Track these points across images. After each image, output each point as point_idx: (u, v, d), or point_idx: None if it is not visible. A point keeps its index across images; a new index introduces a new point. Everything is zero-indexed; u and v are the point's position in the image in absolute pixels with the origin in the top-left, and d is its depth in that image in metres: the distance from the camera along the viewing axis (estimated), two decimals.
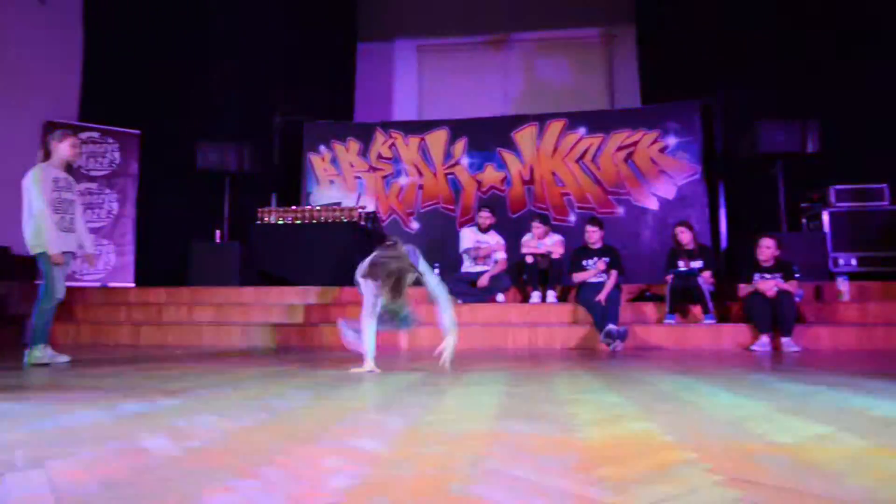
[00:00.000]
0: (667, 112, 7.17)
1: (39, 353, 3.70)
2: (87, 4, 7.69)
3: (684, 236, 5.31)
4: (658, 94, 7.40)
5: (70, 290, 6.39)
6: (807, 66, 6.76)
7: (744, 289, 4.92)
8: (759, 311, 4.65)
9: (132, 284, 7.11)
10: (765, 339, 4.60)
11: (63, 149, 3.80)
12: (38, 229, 3.66)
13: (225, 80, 7.76)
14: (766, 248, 4.87)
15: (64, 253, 3.77)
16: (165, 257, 7.36)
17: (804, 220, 6.41)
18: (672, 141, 7.13)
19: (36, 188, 3.66)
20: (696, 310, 5.25)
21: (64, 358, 3.80)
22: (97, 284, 6.94)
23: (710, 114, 7.14)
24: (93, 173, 7.21)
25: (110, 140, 7.31)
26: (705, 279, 5.12)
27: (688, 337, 4.95)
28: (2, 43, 6.47)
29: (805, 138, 5.96)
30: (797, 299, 4.74)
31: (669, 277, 5.17)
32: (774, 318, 4.62)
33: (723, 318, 5.19)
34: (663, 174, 7.13)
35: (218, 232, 6.98)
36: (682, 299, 5.19)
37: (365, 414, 2.00)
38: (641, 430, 1.71)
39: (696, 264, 5.21)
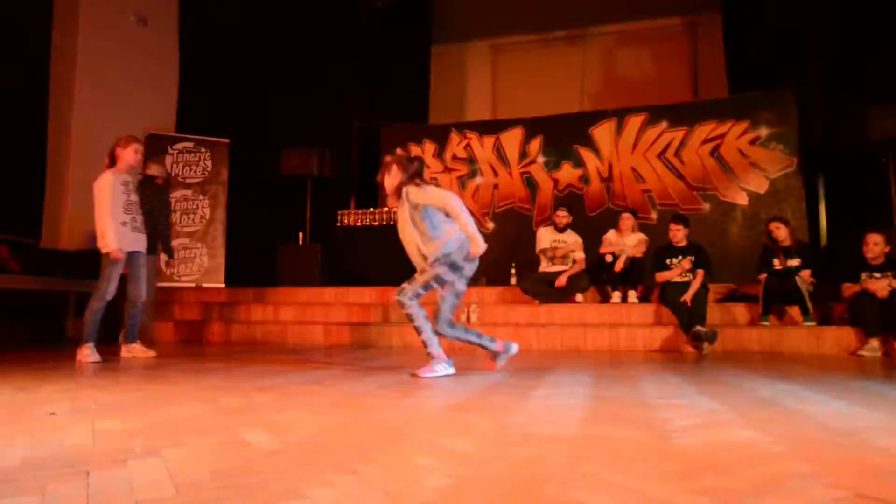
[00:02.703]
0: (758, 101, 6.72)
1: (88, 350, 3.78)
2: (183, 26, 8.23)
3: (780, 232, 4.98)
4: (747, 82, 6.95)
5: (167, 290, 6.89)
6: None
7: (848, 288, 4.55)
8: (869, 312, 4.27)
9: (223, 285, 7.53)
10: (874, 343, 4.23)
11: (128, 155, 3.96)
12: (103, 230, 3.85)
13: (306, 89, 8.06)
14: (875, 245, 4.47)
15: (132, 252, 3.95)
16: (253, 259, 7.74)
17: None
18: (764, 132, 6.68)
19: (104, 194, 3.84)
20: (794, 311, 4.91)
21: (151, 353, 4.00)
22: (192, 285, 7.40)
23: (807, 101, 6.64)
24: (188, 181, 7.69)
25: (203, 149, 7.78)
26: (803, 278, 4.77)
27: (784, 340, 4.64)
28: (109, 63, 7.04)
29: None
30: None
31: (763, 277, 4.87)
32: (885, 320, 4.24)
33: (824, 320, 4.83)
34: (754, 167, 6.70)
35: (301, 234, 7.26)
36: (778, 300, 4.87)
37: (450, 413, 2.01)
38: (744, 439, 1.61)
39: (794, 262, 4.87)
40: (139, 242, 4.02)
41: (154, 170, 5.33)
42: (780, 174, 6.58)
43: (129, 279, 4.05)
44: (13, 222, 5.84)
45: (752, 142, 6.72)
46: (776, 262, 4.93)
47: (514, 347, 3.39)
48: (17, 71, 6.12)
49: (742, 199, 6.71)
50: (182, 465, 1.30)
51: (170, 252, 5.18)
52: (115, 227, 3.84)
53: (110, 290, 3.86)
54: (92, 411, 1.98)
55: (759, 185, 6.66)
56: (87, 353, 3.78)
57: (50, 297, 5.66)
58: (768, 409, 2.08)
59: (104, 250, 3.87)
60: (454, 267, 3.12)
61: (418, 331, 3.15)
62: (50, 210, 6.44)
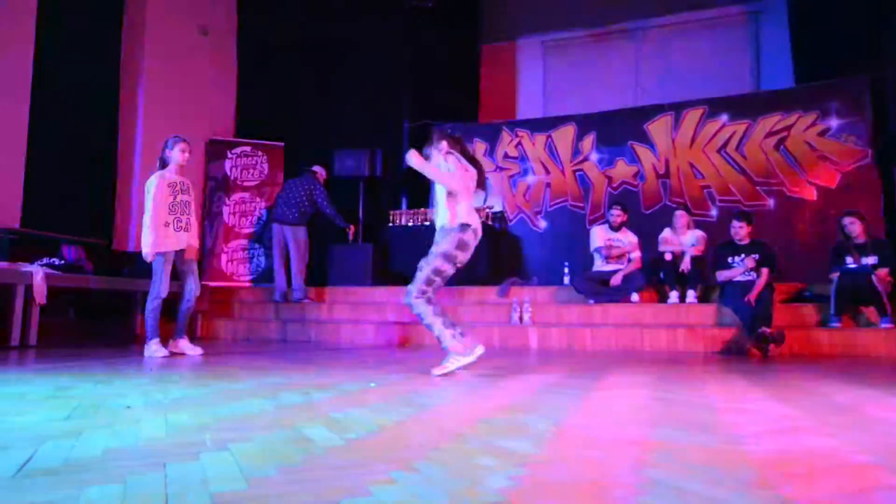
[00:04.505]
0: (828, 90, 6.36)
1: (155, 346, 3.98)
2: (241, 35, 8.52)
3: (854, 228, 4.70)
4: (816, 71, 6.59)
5: (228, 289, 7.15)
6: None
7: None
8: None
9: None
10: None
11: (175, 155, 4.09)
12: (143, 232, 3.97)
13: (357, 91, 8.19)
14: None
15: (178, 251, 4.08)
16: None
17: None
18: (835, 122, 6.32)
19: (149, 196, 3.97)
20: (869, 312, 4.63)
21: (197, 350, 4.15)
22: (249, 284, 7.64)
23: (883, 88, 6.23)
24: (245, 184, 7.95)
25: (259, 153, 8.02)
26: (880, 277, 4.49)
27: (859, 343, 4.38)
28: (173, 72, 7.36)
29: None
30: None
31: (835, 275, 4.61)
32: None
33: None
34: (824, 160, 6.34)
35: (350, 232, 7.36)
36: (851, 300, 4.60)
37: (508, 413, 1.99)
38: (823, 447, 1.52)
39: (870, 260, 4.59)
40: (181, 241, 4.10)
41: (319, 169, 6.66)
42: (853, 167, 6.21)
43: (179, 276, 4.19)
44: (88, 226, 6.19)
45: (822, 133, 6.37)
46: (849, 259, 4.66)
47: (479, 349, 3.11)
48: (90, 83, 6.48)
49: (810, 194, 6.38)
50: (250, 459, 1.33)
51: (341, 224, 6.53)
52: (154, 229, 3.94)
53: (162, 288, 4.02)
54: (163, 405, 2.07)
55: (830, 178, 6.31)
56: (154, 349, 3.99)
57: (120, 295, 5.97)
58: (847, 416, 1.96)
59: (142, 251, 4.00)
60: (447, 256, 3.08)
61: (429, 328, 3.07)
62: (120, 213, 6.79)
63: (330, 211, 6.40)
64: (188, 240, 4.17)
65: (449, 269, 3.13)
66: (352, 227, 6.67)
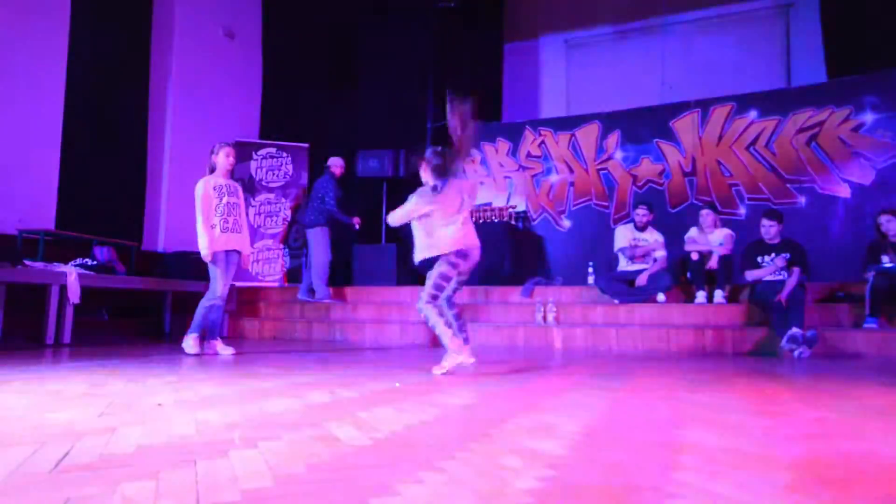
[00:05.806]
0: (862, 85, 6.18)
1: (192, 342, 4.04)
2: (265, 39, 8.65)
3: (891, 226, 4.57)
4: (849, 65, 6.42)
5: (255, 289, 7.25)
6: None
7: None
8: None
9: None
10: None
11: (220, 160, 4.19)
12: (201, 235, 4.06)
13: (380, 91, 8.23)
14: None
15: (228, 252, 4.15)
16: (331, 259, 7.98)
17: None
18: (869, 117, 6.13)
19: (197, 200, 4.08)
20: None
21: (229, 350, 4.18)
22: (276, 284, 7.73)
23: None
24: (271, 185, 8.05)
25: (284, 154, 8.11)
26: None
27: (894, 344, 4.24)
28: (200, 74, 7.50)
29: None
30: None
31: (870, 275, 4.48)
32: None
33: None
34: (858, 156, 6.17)
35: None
36: (888, 300, 4.46)
37: (534, 414, 1.98)
38: (860, 451, 1.48)
39: None
40: (229, 242, 4.17)
41: (331, 161, 6.55)
42: (890, 163, 6.03)
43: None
44: (119, 227, 6.34)
45: (856, 129, 6.20)
46: (885, 258, 4.53)
47: (469, 361, 3.24)
48: (121, 87, 6.64)
49: (844, 192, 6.21)
50: (278, 457, 1.34)
51: (345, 223, 6.37)
52: (205, 231, 4.05)
53: (217, 288, 4.10)
54: (193, 403, 2.10)
55: (864, 175, 6.13)
56: (190, 344, 4.06)
57: (150, 295, 6.10)
58: (883, 420, 1.90)
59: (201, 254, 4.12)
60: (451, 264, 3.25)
61: (432, 328, 3.21)
62: (149, 215, 6.94)
63: (330, 205, 6.28)
64: (240, 242, 4.23)
65: (453, 274, 3.29)
66: (356, 220, 6.48)
